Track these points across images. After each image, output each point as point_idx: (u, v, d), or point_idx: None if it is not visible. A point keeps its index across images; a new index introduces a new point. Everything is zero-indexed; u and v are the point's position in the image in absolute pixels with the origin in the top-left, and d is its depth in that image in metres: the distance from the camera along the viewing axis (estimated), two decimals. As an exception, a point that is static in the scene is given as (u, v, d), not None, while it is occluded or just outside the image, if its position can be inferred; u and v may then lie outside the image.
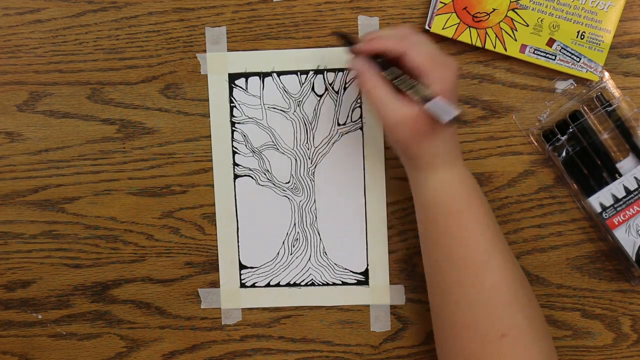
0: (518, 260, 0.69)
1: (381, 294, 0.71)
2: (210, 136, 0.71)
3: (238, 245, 0.72)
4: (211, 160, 0.72)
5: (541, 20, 0.67)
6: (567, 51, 0.67)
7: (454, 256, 0.60)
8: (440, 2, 0.67)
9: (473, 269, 0.59)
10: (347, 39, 0.62)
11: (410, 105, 0.58)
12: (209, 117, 0.71)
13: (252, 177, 0.72)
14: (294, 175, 0.71)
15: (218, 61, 0.71)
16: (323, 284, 0.72)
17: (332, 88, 0.70)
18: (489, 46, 0.67)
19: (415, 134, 0.59)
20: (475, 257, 0.60)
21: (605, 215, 0.66)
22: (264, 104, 0.71)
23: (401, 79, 0.59)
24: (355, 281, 0.72)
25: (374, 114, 0.69)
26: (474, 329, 0.59)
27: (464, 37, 0.67)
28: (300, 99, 0.70)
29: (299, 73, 0.70)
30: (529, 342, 0.58)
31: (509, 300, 0.59)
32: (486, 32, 0.67)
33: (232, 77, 0.71)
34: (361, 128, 0.70)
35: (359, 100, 0.70)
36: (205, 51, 0.71)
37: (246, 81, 0.71)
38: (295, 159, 0.71)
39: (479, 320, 0.59)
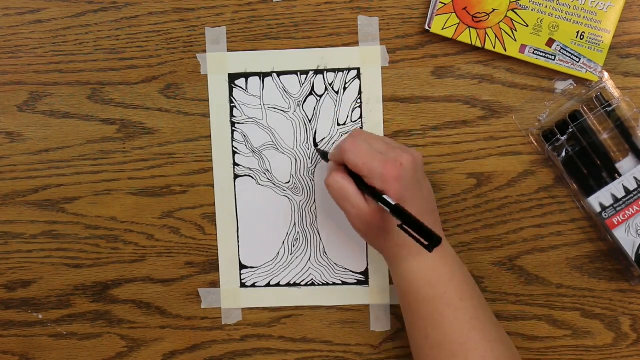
0: (518, 261, 0.70)
1: (381, 294, 0.71)
2: (210, 136, 0.71)
3: (238, 245, 0.72)
4: (211, 160, 0.72)
5: (541, 21, 0.67)
6: (567, 51, 0.67)
7: (430, 339, 0.61)
8: (440, 2, 0.67)
9: (451, 350, 0.60)
10: (323, 155, 0.68)
11: (369, 203, 0.61)
12: (209, 117, 0.71)
13: (252, 177, 0.72)
14: (294, 175, 0.71)
15: (218, 61, 0.71)
16: (323, 284, 0.72)
17: (332, 88, 0.70)
18: (488, 46, 0.68)
19: (374, 229, 0.62)
20: (452, 339, 0.60)
21: (605, 215, 0.66)
22: (264, 104, 0.71)
23: (361, 180, 0.61)
24: (355, 281, 0.72)
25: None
26: None
27: (464, 37, 0.68)
28: (300, 99, 0.70)
29: (299, 73, 0.70)
30: None
31: None
32: (486, 32, 0.67)
33: (232, 77, 0.71)
34: (361, 128, 0.70)
35: (359, 100, 0.70)
36: (205, 51, 0.71)
37: (246, 81, 0.71)
38: (295, 159, 0.71)
39: None
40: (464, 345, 0.60)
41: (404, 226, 0.54)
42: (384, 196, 0.58)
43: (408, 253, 0.62)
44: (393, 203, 0.57)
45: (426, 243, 0.52)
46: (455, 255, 0.64)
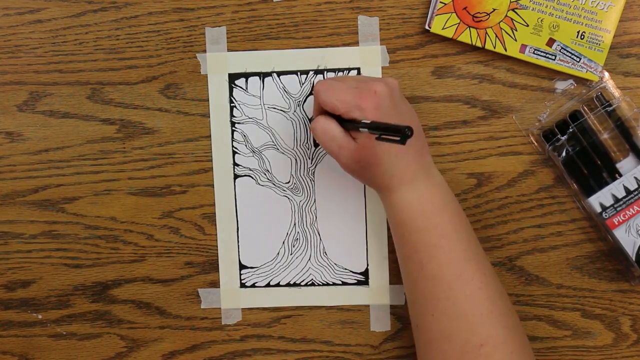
0: (518, 261, 0.70)
1: (381, 294, 0.71)
2: (210, 136, 0.71)
3: (238, 245, 0.72)
4: (211, 160, 0.72)
5: (541, 20, 0.67)
6: (567, 51, 0.67)
7: (425, 270, 0.61)
8: (440, 2, 0.67)
9: (446, 282, 0.60)
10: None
11: (357, 139, 0.61)
12: (209, 117, 0.71)
13: (252, 177, 0.72)
14: (294, 175, 0.71)
15: (218, 61, 0.71)
16: (323, 284, 0.72)
17: (332, 88, 0.70)
18: (489, 46, 0.67)
19: (364, 164, 0.61)
20: (447, 270, 0.60)
21: (605, 215, 0.66)
22: (264, 104, 0.71)
23: (341, 119, 0.61)
24: (355, 281, 0.72)
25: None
26: (452, 340, 0.59)
27: (464, 37, 0.67)
28: (300, 99, 0.70)
29: (299, 73, 0.70)
30: (508, 352, 0.59)
31: (487, 310, 0.59)
32: (486, 32, 0.67)
33: (232, 77, 0.71)
34: (361, 128, 0.70)
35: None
36: (205, 51, 0.71)
37: (246, 81, 0.71)
38: (295, 159, 0.71)
39: (457, 332, 0.59)
40: (459, 276, 0.60)
41: (382, 136, 0.54)
42: (360, 120, 0.58)
43: (400, 182, 0.62)
44: (368, 122, 0.57)
45: (397, 138, 0.52)
46: (447, 187, 0.64)
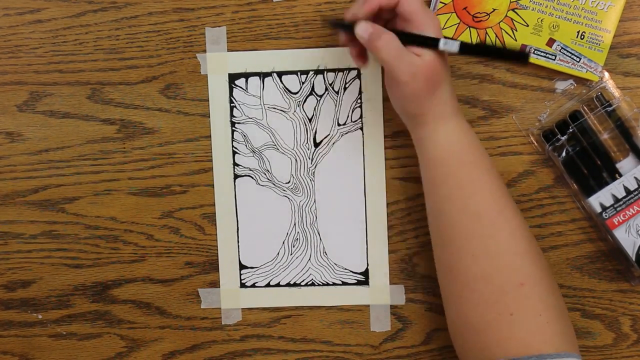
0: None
1: (381, 294, 0.71)
2: (210, 136, 0.71)
3: (238, 245, 0.72)
4: (211, 160, 0.72)
5: (541, 20, 0.67)
6: (567, 51, 0.67)
7: (470, 208, 0.60)
8: (440, 2, 0.67)
9: (489, 219, 0.59)
10: (343, 25, 0.63)
11: (422, 56, 0.59)
12: (209, 117, 0.71)
13: (252, 177, 0.72)
14: (294, 175, 0.71)
15: (218, 61, 0.71)
16: (323, 284, 0.72)
17: (332, 88, 0.70)
18: (489, 46, 0.68)
19: (429, 84, 0.59)
20: (491, 207, 0.60)
21: (605, 215, 0.66)
22: (264, 104, 0.71)
23: (405, 32, 0.60)
24: (355, 281, 0.72)
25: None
26: (493, 279, 0.59)
27: (464, 37, 0.67)
28: (300, 99, 0.70)
29: (299, 73, 0.70)
30: (545, 292, 0.59)
31: (525, 250, 0.59)
32: (486, 32, 0.67)
33: (232, 77, 0.71)
34: (361, 128, 0.70)
35: (359, 100, 0.70)
36: (205, 51, 0.71)
37: (246, 81, 0.71)
38: (295, 159, 0.71)
39: (498, 271, 0.59)
40: (501, 213, 0.60)
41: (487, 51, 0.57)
42: (457, 40, 0.59)
43: (451, 110, 0.61)
44: (473, 42, 0.59)
45: (517, 55, 0.55)
46: None
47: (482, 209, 0.60)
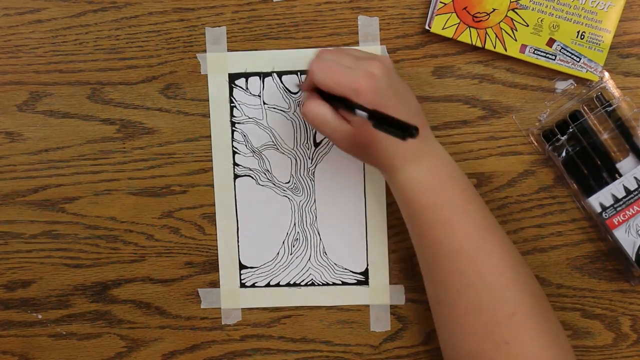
0: (518, 260, 0.69)
1: (381, 294, 0.71)
2: (210, 136, 0.71)
3: (238, 245, 0.72)
4: (211, 160, 0.72)
5: (541, 20, 0.67)
6: (567, 51, 0.67)
7: (445, 247, 0.60)
8: (440, 2, 0.67)
9: (468, 256, 0.59)
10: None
11: (352, 121, 0.59)
12: (209, 117, 0.71)
13: (252, 177, 0.72)
14: (294, 175, 0.71)
15: (218, 61, 0.71)
16: (323, 284, 0.72)
17: (332, 88, 0.70)
18: (489, 46, 0.67)
19: (361, 146, 0.60)
20: (467, 245, 0.59)
21: (605, 215, 0.66)
22: (264, 104, 0.71)
23: (334, 98, 0.60)
24: (355, 281, 0.72)
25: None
26: (482, 312, 0.58)
27: (464, 37, 0.67)
28: (301, 99, 0.70)
29: (299, 73, 0.70)
30: (539, 318, 0.58)
31: (512, 280, 0.59)
32: (486, 32, 0.67)
33: (232, 77, 0.71)
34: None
35: (359, 100, 0.70)
36: (205, 51, 0.71)
37: (246, 81, 0.71)
38: (295, 159, 0.71)
39: (486, 304, 0.58)
40: (480, 248, 0.59)
41: (381, 126, 0.52)
42: (358, 105, 0.56)
43: (402, 161, 0.60)
44: (370, 109, 0.55)
45: (398, 132, 0.50)
46: (453, 162, 0.62)
47: (459, 247, 0.59)
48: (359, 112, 0.56)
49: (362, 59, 0.60)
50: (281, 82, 0.70)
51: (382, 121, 0.53)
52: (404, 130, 0.50)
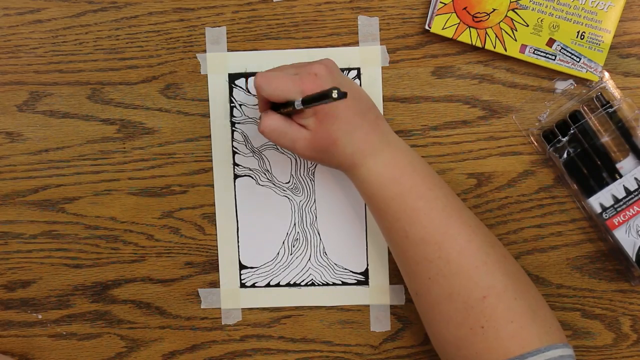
0: (518, 261, 0.69)
1: (381, 294, 0.71)
2: (210, 136, 0.71)
3: (238, 245, 0.72)
4: (211, 160, 0.72)
5: (541, 20, 0.67)
6: (567, 51, 0.67)
7: (410, 236, 0.61)
8: (440, 2, 0.67)
9: (435, 243, 0.60)
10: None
11: (307, 126, 0.60)
12: (209, 117, 0.71)
13: (252, 177, 0.72)
14: (294, 175, 0.71)
15: (218, 61, 0.71)
16: (323, 284, 0.72)
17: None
18: (489, 46, 0.67)
19: (322, 150, 0.61)
20: (432, 231, 0.60)
21: (606, 216, 0.66)
22: (264, 104, 0.71)
23: (286, 106, 0.60)
24: (355, 281, 0.72)
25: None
26: (454, 298, 0.59)
27: (464, 37, 0.67)
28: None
29: (247, 77, 0.70)
30: (512, 298, 0.59)
31: (481, 261, 0.59)
32: (486, 32, 0.67)
33: (232, 77, 0.71)
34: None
35: (359, 100, 0.70)
36: (205, 51, 0.71)
37: (246, 81, 0.71)
38: (295, 159, 0.71)
39: (457, 289, 0.59)
40: (446, 234, 0.60)
41: (307, 103, 0.55)
42: (293, 102, 0.58)
43: (362, 156, 0.61)
44: (299, 100, 0.57)
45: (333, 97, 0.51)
46: (412, 151, 0.64)
47: (425, 235, 0.60)
48: (296, 103, 0.57)
49: (304, 65, 0.62)
50: (281, 82, 0.70)
51: (312, 101, 0.55)
52: (327, 96, 0.51)
